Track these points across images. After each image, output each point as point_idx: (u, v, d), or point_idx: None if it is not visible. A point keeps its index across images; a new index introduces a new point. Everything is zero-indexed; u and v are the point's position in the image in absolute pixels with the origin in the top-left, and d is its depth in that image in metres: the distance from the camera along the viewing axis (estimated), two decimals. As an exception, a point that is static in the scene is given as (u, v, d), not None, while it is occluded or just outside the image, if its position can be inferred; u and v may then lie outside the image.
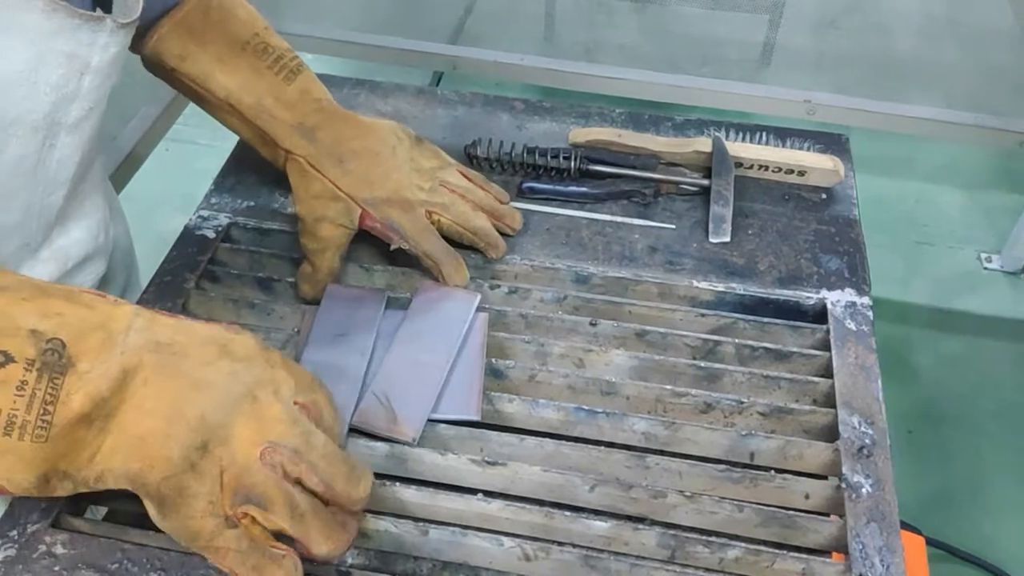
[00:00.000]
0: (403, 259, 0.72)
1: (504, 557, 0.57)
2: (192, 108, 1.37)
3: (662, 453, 0.62)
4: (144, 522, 0.56)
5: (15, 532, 0.54)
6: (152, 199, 1.77)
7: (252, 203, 0.78)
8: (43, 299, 0.47)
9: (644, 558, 0.57)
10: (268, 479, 0.48)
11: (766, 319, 0.70)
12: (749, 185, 0.80)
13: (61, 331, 0.46)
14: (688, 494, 0.59)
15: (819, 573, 0.56)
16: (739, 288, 0.72)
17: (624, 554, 0.57)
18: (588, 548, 0.57)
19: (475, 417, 0.63)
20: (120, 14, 0.55)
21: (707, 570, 0.56)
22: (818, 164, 0.79)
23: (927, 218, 1.99)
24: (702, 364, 0.66)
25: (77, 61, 0.53)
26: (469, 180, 0.74)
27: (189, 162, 1.87)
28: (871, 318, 0.70)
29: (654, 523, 0.59)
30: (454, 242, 0.71)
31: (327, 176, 0.68)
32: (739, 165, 0.80)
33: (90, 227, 0.68)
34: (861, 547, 0.57)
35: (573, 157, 0.79)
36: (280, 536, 0.50)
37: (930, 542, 1.37)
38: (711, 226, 0.75)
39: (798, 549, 0.58)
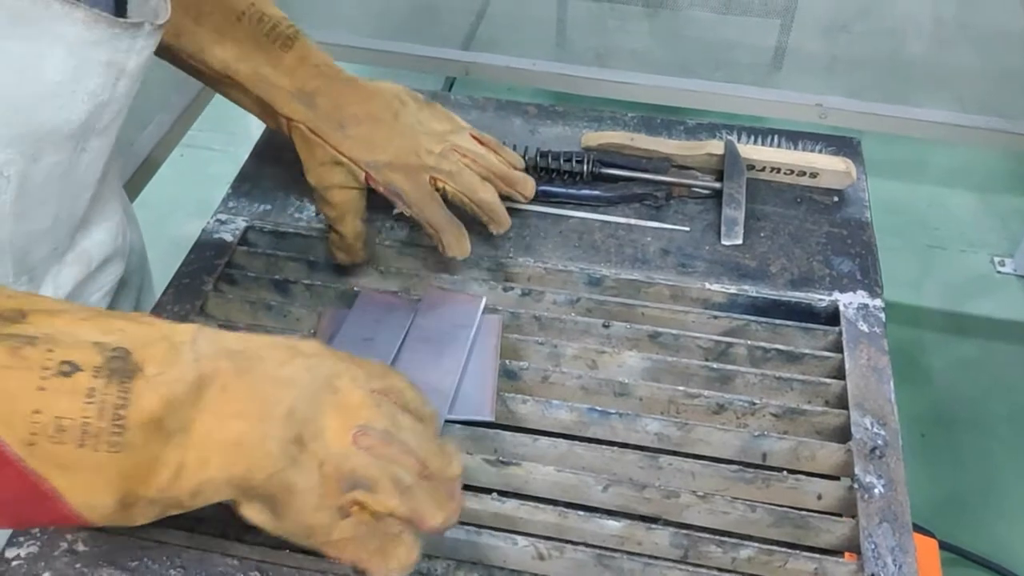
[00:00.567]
0: (415, 263, 0.73)
1: (518, 556, 0.57)
2: (207, 114, 1.39)
3: (675, 454, 0.62)
4: (165, 519, 0.57)
5: (37, 529, 0.55)
6: (167, 204, 1.79)
7: (269, 207, 0.79)
8: (102, 319, 0.46)
9: (657, 558, 0.57)
10: (368, 461, 0.47)
11: (778, 321, 0.70)
12: (761, 188, 0.80)
13: (124, 342, 0.44)
14: (701, 494, 0.59)
15: (831, 573, 0.57)
16: (751, 290, 0.72)
17: (637, 554, 0.58)
18: (601, 548, 0.58)
19: (489, 418, 0.63)
20: (149, 13, 0.55)
21: (720, 570, 0.57)
22: (830, 166, 0.79)
23: (939, 222, 1.99)
24: (714, 365, 0.67)
25: (114, 68, 0.53)
26: (483, 144, 0.72)
27: (204, 168, 1.89)
28: (883, 320, 0.70)
29: (667, 523, 0.59)
30: (459, 212, 0.70)
31: (328, 141, 0.68)
32: (751, 168, 0.80)
33: (110, 229, 0.69)
34: (874, 547, 0.57)
35: (586, 160, 0.79)
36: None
37: (943, 546, 1.36)
38: (723, 228, 0.76)
39: (811, 549, 0.58)
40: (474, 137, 0.72)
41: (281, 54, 0.69)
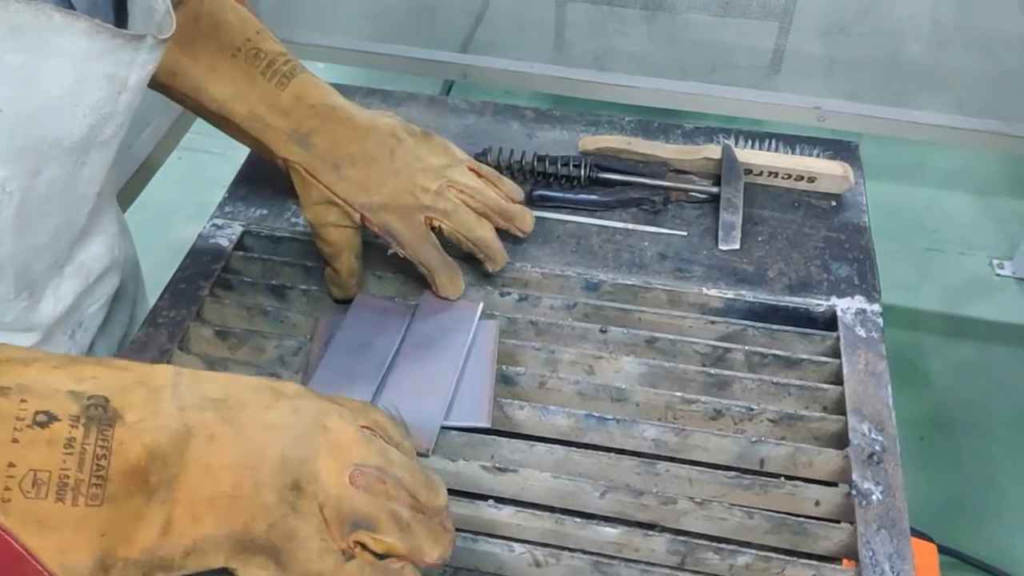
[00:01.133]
0: (411, 268, 0.73)
1: (515, 563, 0.57)
2: (205, 117, 1.37)
3: (672, 460, 0.62)
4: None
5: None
6: (165, 208, 1.79)
7: (265, 211, 0.79)
8: (74, 366, 0.44)
9: (654, 564, 0.57)
10: (367, 500, 0.46)
11: (776, 326, 0.70)
12: (759, 192, 0.80)
13: (100, 389, 0.42)
14: (698, 501, 0.59)
15: (829, 580, 0.56)
16: (749, 295, 0.72)
17: (634, 560, 0.58)
18: (598, 554, 0.57)
19: (486, 424, 0.63)
20: (154, 29, 0.54)
21: (717, 577, 0.57)
22: (828, 171, 0.79)
23: (938, 224, 1.99)
24: (712, 371, 0.67)
25: (116, 82, 0.52)
26: (481, 176, 0.71)
27: (202, 171, 1.89)
28: (881, 325, 0.70)
29: (664, 530, 0.59)
30: (455, 248, 0.70)
31: (323, 183, 0.68)
32: (748, 172, 0.80)
33: (106, 241, 0.69)
34: (871, 554, 0.57)
35: (583, 165, 0.79)
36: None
37: (942, 549, 1.36)
38: (721, 233, 0.76)
39: (808, 556, 0.58)
40: (472, 170, 0.71)
41: (277, 92, 0.68)
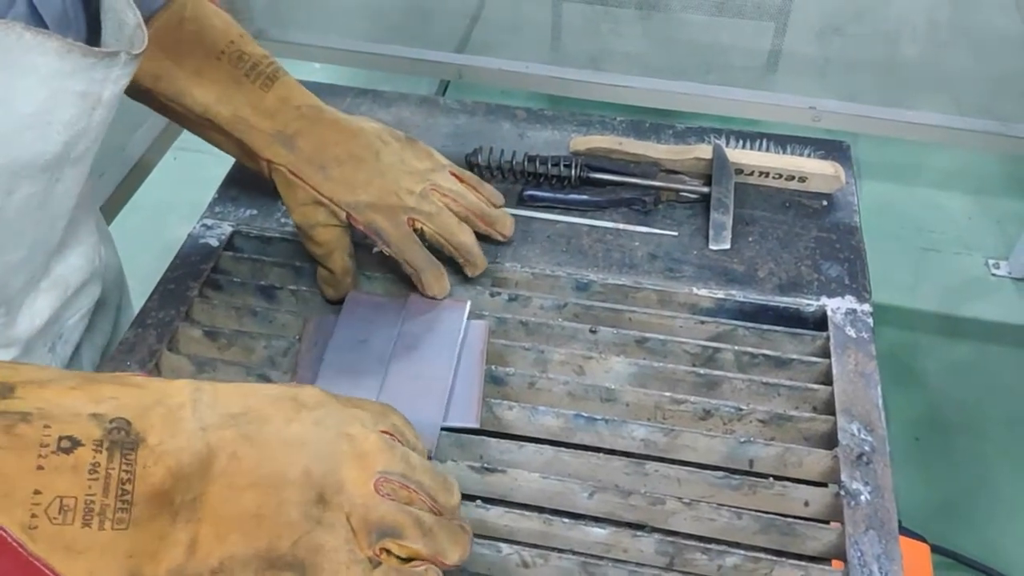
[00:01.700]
0: (400, 268, 0.73)
1: (502, 564, 0.57)
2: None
3: (661, 460, 0.62)
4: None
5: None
6: (160, 208, 1.79)
7: (255, 212, 0.78)
8: (92, 386, 0.44)
9: (643, 565, 0.57)
10: (393, 508, 0.46)
11: (766, 326, 0.70)
12: (750, 192, 0.80)
13: (121, 411, 0.43)
14: (687, 501, 0.59)
15: (817, 580, 0.56)
16: (739, 295, 0.72)
17: (623, 561, 0.57)
18: (586, 555, 0.57)
19: (475, 424, 0.63)
20: (125, 43, 0.54)
21: (706, 577, 0.56)
22: (819, 170, 0.79)
23: (934, 224, 1.99)
24: (701, 371, 0.66)
25: (90, 98, 0.52)
26: (462, 182, 0.72)
27: (196, 171, 1.88)
28: (871, 325, 0.70)
29: (653, 530, 0.59)
30: (436, 251, 0.70)
31: (309, 183, 0.68)
32: (739, 172, 0.80)
33: (85, 252, 0.68)
34: (859, 555, 0.56)
35: (574, 165, 0.79)
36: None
37: (937, 549, 1.36)
38: (711, 233, 0.76)
39: (797, 557, 0.58)
40: (454, 175, 0.72)
41: (262, 94, 0.69)
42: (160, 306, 0.70)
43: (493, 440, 0.62)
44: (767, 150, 0.82)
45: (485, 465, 0.60)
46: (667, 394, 0.65)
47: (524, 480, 0.60)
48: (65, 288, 0.67)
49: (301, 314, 0.70)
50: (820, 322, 0.71)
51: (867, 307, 0.71)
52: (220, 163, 0.82)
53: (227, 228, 0.77)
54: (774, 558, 0.57)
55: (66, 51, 0.48)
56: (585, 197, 0.79)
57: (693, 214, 0.79)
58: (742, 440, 0.62)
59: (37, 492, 0.39)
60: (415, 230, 0.69)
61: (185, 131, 1.45)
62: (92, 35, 0.55)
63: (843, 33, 1.79)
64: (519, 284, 0.74)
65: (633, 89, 1.59)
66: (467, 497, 0.60)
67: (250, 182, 0.81)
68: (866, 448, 0.62)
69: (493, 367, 0.66)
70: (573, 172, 0.79)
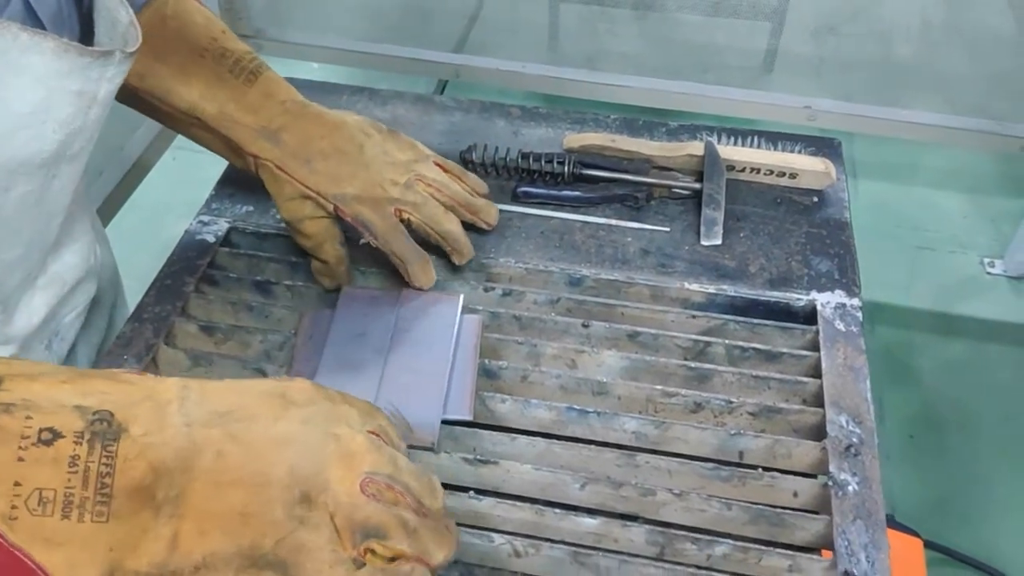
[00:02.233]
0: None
1: (495, 554, 0.58)
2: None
3: (652, 452, 0.63)
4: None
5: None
6: (159, 207, 1.79)
7: (251, 208, 0.79)
8: (83, 380, 0.44)
9: (633, 555, 0.58)
10: (379, 509, 0.46)
11: (756, 320, 0.71)
12: (741, 188, 0.81)
13: (106, 404, 0.43)
14: (677, 492, 0.60)
15: (805, 569, 0.57)
16: (730, 290, 0.73)
17: (613, 551, 0.58)
18: (578, 545, 0.58)
19: (468, 417, 0.64)
20: (118, 40, 0.54)
21: (695, 567, 0.57)
22: (809, 167, 0.80)
23: (930, 223, 2.00)
24: (693, 365, 0.67)
25: (85, 97, 0.52)
26: (446, 172, 0.73)
27: (195, 171, 1.89)
28: (860, 319, 0.70)
29: (643, 521, 0.60)
30: (422, 240, 0.71)
31: (295, 177, 0.68)
32: (731, 168, 0.81)
33: (80, 250, 0.69)
34: (847, 544, 0.57)
35: (567, 162, 0.80)
36: None
37: (932, 546, 1.37)
38: (703, 229, 0.76)
39: (786, 546, 0.58)
40: (438, 165, 0.73)
41: (245, 90, 0.69)
42: (157, 301, 0.70)
43: (486, 432, 0.63)
44: (758, 147, 0.83)
45: (478, 457, 0.61)
46: (658, 387, 0.66)
47: (517, 472, 0.61)
48: (61, 286, 0.68)
49: (297, 309, 0.71)
50: (810, 316, 0.71)
51: (856, 301, 0.72)
52: (218, 163, 0.83)
53: (223, 224, 0.77)
54: (763, 548, 0.57)
55: (62, 51, 0.48)
56: (578, 193, 0.79)
57: (685, 210, 0.79)
58: (732, 432, 0.63)
59: (17, 484, 0.39)
60: (402, 220, 0.70)
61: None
62: (85, 32, 0.55)
63: (838, 33, 1.80)
64: (513, 279, 0.75)
65: (630, 89, 1.60)
66: (460, 488, 0.60)
67: (246, 179, 0.81)
68: (854, 440, 0.62)
69: (487, 361, 0.67)
70: (566, 169, 0.80)
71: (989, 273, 1.88)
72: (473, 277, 0.74)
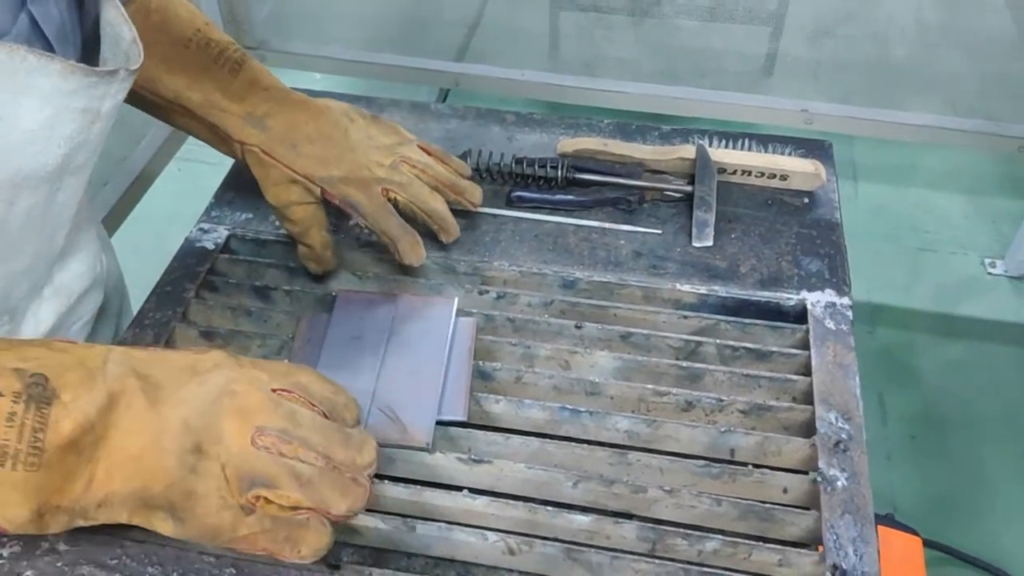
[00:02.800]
0: (391, 267, 0.75)
1: (489, 551, 0.59)
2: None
3: (644, 450, 0.64)
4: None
5: (20, 530, 0.57)
6: (164, 217, 1.81)
7: (251, 215, 0.81)
8: (20, 347, 0.50)
9: (625, 551, 0.58)
10: (266, 459, 0.50)
11: (747, 320, 0.72)
12: (733, 190, 0.82)
13: (42, 368, 0.48)
14: (668, 489, 0.61)
15: (795, 563, 0.58)
16: (721, 290, 0.74)
17: (605, 548, 0.59)
18: (570, 542, 0.59)
19: (462, 418, 0.65)
20: (121, 57, 0.56)
21: (686, 562, 0.58)
22: (800, 168, 0.81)
23: (930, 224, 2.00)
24: (684, 364, 0.68)
25: (90, 113, 0.54)
26: (430, 154, 0.75)
27: (200, 181, 1.90)
28: (850, 318, 0.71)
29: (640, 519, 0.60)
30: (409, 220, 0.72)
31: (282, 162, 0.70)
32: (722, 171, 0.82)
33: (87, 259, 0.70)
34: (835, 538, 0.58)
35: (560, 166, 0.81)
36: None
37: (935, 545, 1.37)
38: (694, 231, 0.78)
39: (776, 542, 0.59)
40: (421, 148, 0.75)
41: (230, 79, 0.71)
42: (157, 307, 0.72)
43: (481, 432, 0.64)
44: (749, 150, 0.84)
45: (473, 457, 0.62)
46: (650, 387, 0.67)
47: (510, 471, 0.62)
48: (68, 295, 0.69)
49: (295, 313, 0.72)
50: (800, 315, 0.72)
51: (846, 300, 0.73)
52: (223, 174, 0.85)
53: (223, 232, 0.79)
54: (753, 543, 0.58)
55: (68, 72, 0.50)
56: (571, 197, 0.81)
57: (677, 213, 0.80)
58: (723, 430, 0.64)
59: None
60: (389, 200, 0.71)
61: (188, 144, 1.48)
62: (88, 48, 0.57)
63: (839, 36, 1.81)
64: (507, 282, 0.76)
65: (629, 95, 1.61)
66: (455, 487, 0.61)
67: (245, 187, 0.83)
68: (843, 436, 0.63)
69: (481, 363, 0.68)
70: (560, 173, 0.81)
71: (990, 273, 1.88)
72: (468, 280, 0.75)
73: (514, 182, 0.83)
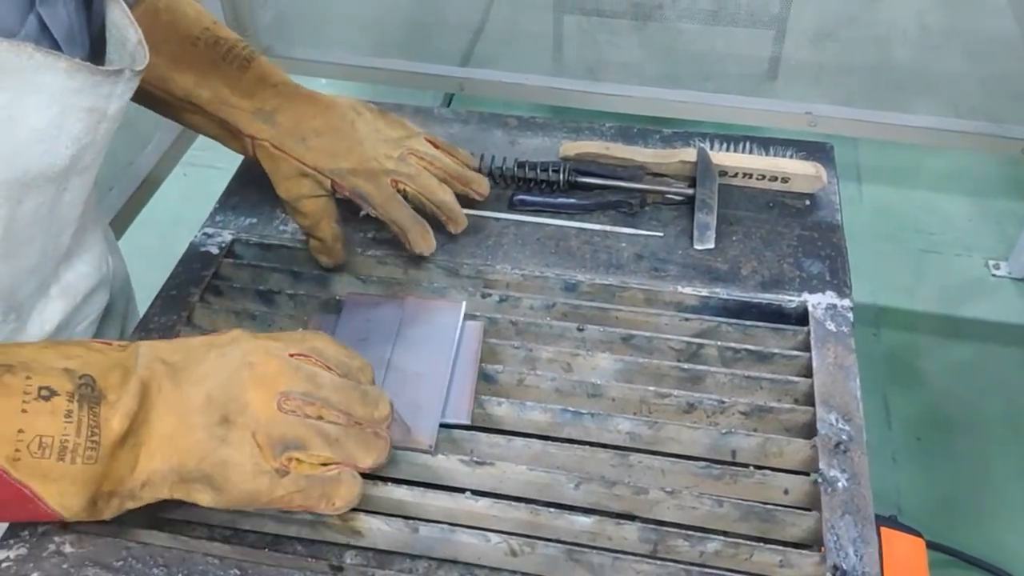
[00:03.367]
0: (395, 270, 0.76)
1: (491, 552, 0.59)
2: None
3: (646, 452, 0.64)
4: (150, 522, 0.59)
5: (26, 532, 0.57)
6: (169, 221, 1.82)
7: (255, 220, 0.81)
8: (62, 346, 0.53)
9: (627, 552, 0.59)
10: (294, 422, 0.53)
11: (749, 322, 0.72)
12: (734, 193, 0.82)
13: (87, 369, 0.51)
14: (669, 490, 0.61)
15: (796, 564, 0.58)
16: (723, 293, 0.74)
17: (607, 549, 0.59)
18: (572, 544, 0.59)
19: (466, 421, 0.65)
20: (127, 58, 0.57)
21: (688, 563, 0.58)
22: (801, 171, 0.81)
23: (934, 226, 2.00)
24: (686, 366, 0.68)
25: (96, 113, 0.55)
26: (437, 147, 0.76)
27: (205, 186, 1.91)
28: (851, 319, 0.71)
29: (644, 521, 0.61)
30: (418, 211, 0.73)
31: (292, 155, 0.72)
32: (724, 174, 0.82)
33: (93, 260, 0.71)
34: (836, 539, 0.58)
35: (562, 170, 0.82)
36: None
37: (940, 548, 1.37)
38: (696, 233, 0.78)
39: (777, 542, 0.59)
40: (428, 140, 0.76)
41: (239, 75, 0.72)
42: (162, 311, 0.72)
43: (483, 435, 0.65)
44: (751, 152, 0.84)
45: (475, 459, 0.63)
46: (652, 389, 0.67)
47: (512, 473, 0.62)
48: (74, 295, 0.70)
49: (299, 317, 0.73)
50: (801, 317, 0.73)
51: (847, 302, 0.73)
52: (227, 178, 0.85)
53: (227, 236, 0.79)
54: (754, 544, 0.58)
55: (75, 70, 0.51)
56: (573, 201, 0.81)
57: (678, 215, 0.81)
58: (724, 432, 0.64)
59: (20, 431, 0.48)
60: (397, 191, 0.73)
61: (194, 148, 1.49)
62: (95, 50, 0.58)
63: (842, 39, 1.81)
64: (509, 285, 0.76)
65: (633, 98, 1.61)
66: (457, 489, 0.62)
67: (249, 192, 0.83)
68: (844, 437, 0.64)
69: (483, 365, 0.68)
70: (561, 177, 0.81)
71: (994, 275, 1.88)
72: (471, 284, 0.76)
73: (516, 186, 0.83)
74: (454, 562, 0.59)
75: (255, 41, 1.71)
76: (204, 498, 0.53)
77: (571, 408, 0.66)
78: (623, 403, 0.67)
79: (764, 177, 0.82)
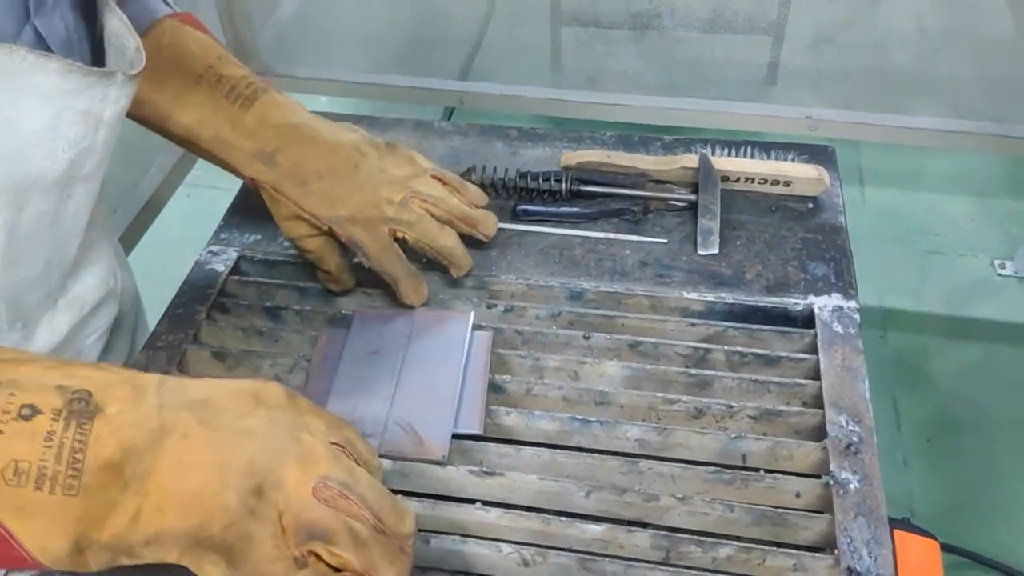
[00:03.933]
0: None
1: (504, 563, 0.59)
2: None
3: (655, 458, 0.64)
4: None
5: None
6: (174, 242, 1.83)
7: (259, 237, 0.81)
8: (69, 366, 0.47)
9: (639, 560, 0.59)
10: (327, 514, 0.47)
11: (755, 326, 0.72)
12: (737, 198, 0.82)
13: (87, 385, 0.46)
14: (680, 496, 0.61)
15: (809, 567, 0.58)
16: (728, 297, 0.74)
17: (619, 557, 0.59)
18: (584, 552, 0.59)
19: (478, 431, 0.65)
20: (126, 66, 0.57)
21: (700, 569, 0.58)
22: (803, 174, 0.81)
23: (939, 227, 2.00)
24: (693, 371, 0.68)
25: (92, 117, 0.55)
26: (444, 184, 0.74)
27: (209, 206, 1.92)
28: (858, 321, 0.71)
29: (655, 528, 0.61)
30: (421, 255, 0.73)
31: (291, 199, 0.71)
32: (726, 179, 0.82)
33: (100, 272, 0.71)
34: (849, 541, 0.58)
35: (564, 179, 0.82)
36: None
37: (953, 549, 1.36)
38: (699, 239, 0.78)
39: (790, 546, 0.59)
40: (436, 178, 0.74)
41: (241, 114, 0.71)
42: (169, 330, 0.72)
43: (492, 445, 0.65)
44: (752, 157, 0.84)
45: (485, 469, 0.63)
46: (660, 395, 0.67)
47: (523, 482, 0.62)
48: (82, 307, 0.70)
49: (306, 332, 0.73)
50: (808, 320, 0.73)
51: (853, 303, 0.73)
52: (230, 198, 0.86)
53: (232, 254, 0.79)
54: (767, 548, 0.58)
55: (67, 71, 0.51)
56: (576, 209, 0.81)
57: (682, 221, 0.81)
58: (734, 436, 0.64)
59: None
60: (396, 239, 0.72)
61: (197, 169, 1.49)
62: (96, 60, 0.58)
63: (841, 43, 1.81)
64: (515, 295, 0.76)
65: (633, 107, 1.61)
66: (467, 500, 0.62)
67: (253, 210, 0.84)
68: (854, 439, 0.63)
69: (492, 375, 0.68)
70: (564, 186, 0.82)
71: (1000, 275, 1.88)
72: (476, 294, 0.76)
73: (519, 196, 0.83)
74: (467, 573, 0.59)
75: (256, 61, 1.72)
76: (215, 572, 0.46)
77: (579, 416, 0.66)
78: (631, 410, 0.67)
79: (766, 181, 0.82)
